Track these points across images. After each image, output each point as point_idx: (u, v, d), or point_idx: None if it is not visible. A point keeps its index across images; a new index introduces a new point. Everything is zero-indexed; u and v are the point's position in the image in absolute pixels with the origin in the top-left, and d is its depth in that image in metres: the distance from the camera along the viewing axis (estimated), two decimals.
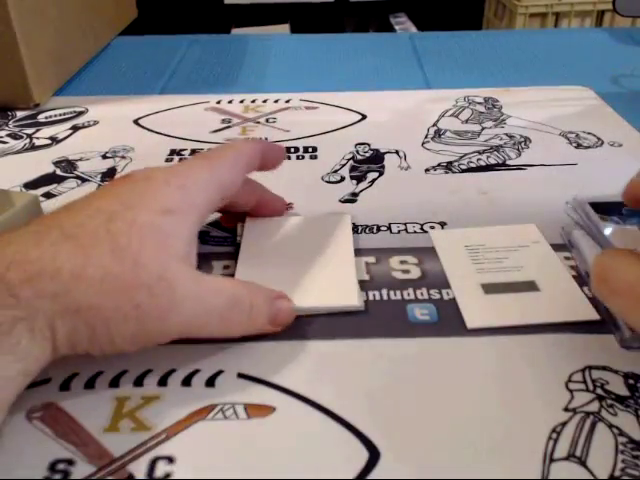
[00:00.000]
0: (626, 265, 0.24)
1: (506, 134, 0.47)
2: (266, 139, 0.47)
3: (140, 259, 0.24)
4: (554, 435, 0.24)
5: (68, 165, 0.43)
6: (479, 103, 0.52)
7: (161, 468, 0.23)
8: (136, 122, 0.50)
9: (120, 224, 0.25)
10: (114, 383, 0.26)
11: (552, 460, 0.23)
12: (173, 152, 0.45)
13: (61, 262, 0.23)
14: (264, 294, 0.28)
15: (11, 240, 0.23)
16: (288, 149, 0.45)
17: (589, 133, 0.47)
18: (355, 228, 0.36)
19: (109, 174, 0.42)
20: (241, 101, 0.54)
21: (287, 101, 0.53)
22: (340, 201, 0.39)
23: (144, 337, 0.25)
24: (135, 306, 0.23)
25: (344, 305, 0.30)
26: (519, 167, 0.43)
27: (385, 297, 0.31)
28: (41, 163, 0.44)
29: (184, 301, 0.24)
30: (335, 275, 0.31)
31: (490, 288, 0.31)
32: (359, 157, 0.44)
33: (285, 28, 1.78)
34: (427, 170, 0.42)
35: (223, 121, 0.50)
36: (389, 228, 0.36)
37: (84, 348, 0.24)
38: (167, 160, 0.44)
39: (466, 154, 0.44)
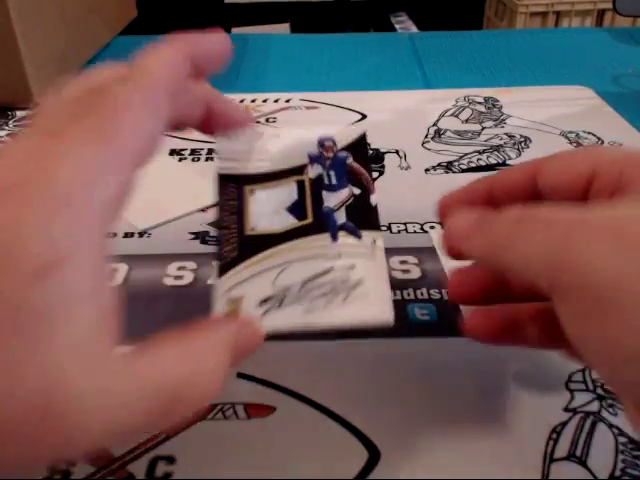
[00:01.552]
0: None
1: (506, 134, 0.47)
2: None
3: (15, 373, 0.14)
4: (554, 435, 0.24)
5: None
6: (479, 103, 0.52)
7: (161, 468, 0.23)
8: None
9: None
10: None
11: (552, 460, 0.23)
12: (173, 152, 0.45)
13: None
14: (217, 353, 0.18)
15: None
16: None
17: (589, 133, 0.47)
18: None
19: None
20: (241, 101, 0.53)
21: (287, 101, 0.53)
22: None
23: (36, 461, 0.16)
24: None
25: (376, 321, 0.23)
26: None
27: None
28: None
29: (90, 422, 0.15)
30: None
31: None
32: None
33: (285, 27, 1.78)
34: (427, 170, 0.42)
35: None
36: (389, 228, 0.36)
37: None
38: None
39: (466, 154, 0.44)
